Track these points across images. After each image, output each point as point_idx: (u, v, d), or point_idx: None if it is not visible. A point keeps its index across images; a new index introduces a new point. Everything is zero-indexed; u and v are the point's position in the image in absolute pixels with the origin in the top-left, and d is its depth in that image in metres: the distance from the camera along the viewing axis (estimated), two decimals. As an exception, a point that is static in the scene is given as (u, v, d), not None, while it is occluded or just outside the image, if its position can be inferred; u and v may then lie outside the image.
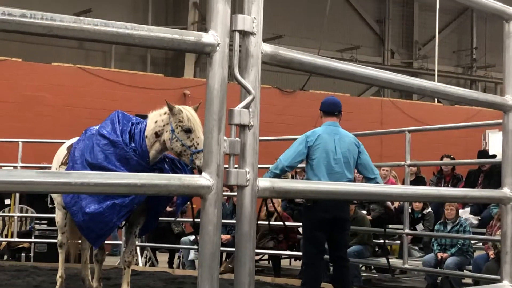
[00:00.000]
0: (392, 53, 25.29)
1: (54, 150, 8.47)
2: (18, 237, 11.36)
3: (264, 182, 2.29)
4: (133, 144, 6.65)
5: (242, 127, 2.24)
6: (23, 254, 11.63)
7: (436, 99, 20.19)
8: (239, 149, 2.23)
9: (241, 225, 2.23)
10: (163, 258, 12.49)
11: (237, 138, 2.24)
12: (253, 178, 2.23)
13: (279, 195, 2.34)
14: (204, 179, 2.17)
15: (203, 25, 20.13)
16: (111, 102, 15.86)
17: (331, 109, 7.12)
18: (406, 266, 8.96)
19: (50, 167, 8.12)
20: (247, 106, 2.23)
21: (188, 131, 6.29)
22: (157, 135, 6.49)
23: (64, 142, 8.06)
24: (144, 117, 6.81)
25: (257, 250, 8.89)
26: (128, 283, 7.02)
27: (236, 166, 2.26)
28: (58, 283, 7.74)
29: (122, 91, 16.54)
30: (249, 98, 2.24)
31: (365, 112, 19.04)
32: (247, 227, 2.23)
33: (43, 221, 11.70)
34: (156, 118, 6.55)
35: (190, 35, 2.18)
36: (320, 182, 2.44)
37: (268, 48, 2.31)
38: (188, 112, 6.36)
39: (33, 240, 11.42)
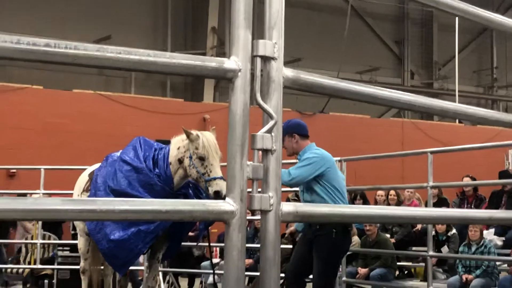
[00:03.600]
0: (411, 74, 25.24)
1: (76, 177, 8.51)
2: (41, 263, 11.38)
3: (288, 207, 2.28)
4: (157, 170, 6.65)
5: (265, 152, 2.24)
6: (46, 281, 11.63)
7: (457, 120, 20.10)
8: (262, 173, 2.23)
9: (265, 250, 2.22)
10: (183, 282, 12.46)
11: (260, 163, 2.24)
12: (277, 202, 2.23)
13: (303, 219, 2.34)
14: (227, 204, 2.17)
15: (221, 49, 20.24)
16: (131, 128, 15.93)
17: (307, 132, 6.89)
18: (431, 288, 8.86)
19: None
20: (269, 131, 2.24)
21: (202, 158, 6.30)
22: (180, 161, 6.49)
23: (84, 169, 8.09)
24: (165, 142, 6.83)
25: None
26: (152, 309, 7.01)
27: (259, 190, 2.26)
28: (81, 310, 7.74)
29: (142, 117, 16.62)
30: (271, 122, 2.24)
31: (385, 134, 18.98)
32: (271, 252, 2.22)
33: (65, 248, 11.73)
34: (178, 144, 6.56)
35: (212, 61, 2.19)
36: (344, 206, 2.43)
37: (290, 72, 2.32)
38: (204, 138, 6.35)
39: (55, 266, 11.44)
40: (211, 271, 10.99)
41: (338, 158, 9.42)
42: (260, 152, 2.25)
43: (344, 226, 6.39)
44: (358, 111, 19.71)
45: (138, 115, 16.68)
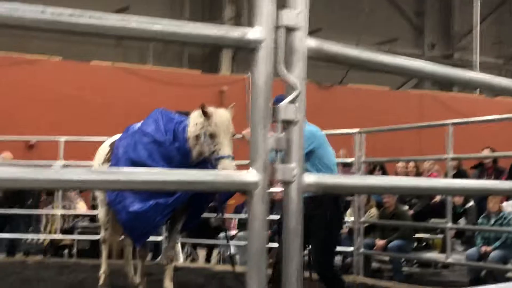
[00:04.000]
0: (431, 45, 25.01)
1: (94, 148, 8.54)
2: (61, 234, 11.51)
3: (310, 178, 2.28)
4: (176, 144, 6.66)
5: (288, 123, 2.24)
6: (66, 251, 11.78)
7: (478, 91, 19.94)
8: (284, 144, 2.22)
9: (288, 221, 2.22)
10: (202, 253, 12.55)
11: (283, 134, 2.23)
12: (299, 173, 2.23)
13: (324, 190, 2.34)
14: (251, 175, 2.17)
15: (239, 20, 20.13)
16: (148, 100, 15.95)
17: None
18: (450, 260, 8.85)
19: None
20: (292, 102, 2.23)
21: (213, 136, 6.30)
22: (197, 138, 6.50)
23: (103, 140, 8.14)
24: (185, 114, 6.82)
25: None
26: (171, 279, 7.07)
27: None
28: (101, 279, 7.83)
29: (159, 89, 16.62)
30: (294, 93, 2.23)
31: (404, 106, 18.87)
32: (294, 222, 2.22)
33: (85, 218, 11.85)
34: (196, 120, 6.54)
35: (235, 31, 2.18)
36: (366, 177, 2.40)
37: (313, 42, 2.30)
38: (217, 115, 6.34)
39: (75, 237, 11.57)
40: (229, 244, 11.12)
41: (357, 130, 9.41)
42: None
43: (336, 206, 6.35)
44: (377, 83, 19.59)
45: (155, 87, 16.69)
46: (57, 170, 1.92)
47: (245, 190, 2.19)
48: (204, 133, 6.34)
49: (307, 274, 6.48)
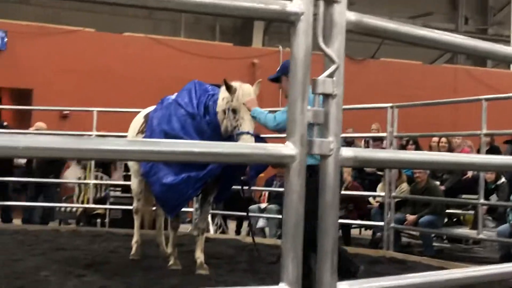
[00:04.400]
0: (466, 20, 24.65)
1: (126, 119, 8.60)
2: (94, 203, 11.65)
3: (347, 152, 2.28)
4: (207, 117, 6.70)
5: (326, 96, 2.23)
6: (98, 220, 11.94)
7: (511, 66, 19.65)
8: (322, 118, 2.22)
9: (325, 194, 2.23)
10: (232, 225, 12.64)
11: (321, 108, 2.23)
12: (337, 147, 2.23)
13: (361, 164, 2.34)
14: (288, 149, 2.18)
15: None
16: (180, 72, 16.01)
17: None
18: (481, 236, 8.80)
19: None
20: (331, 75, 2.22)
21: (235, 111, 6.31)
22: (224, 112, 6.53)
23: (136, 112, 8.20)
24: (220, 86, 6.83)
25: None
26: (202, 250, 7.14)
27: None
28: (133, 248, 7.93)
29: (191, 61, 16.66)
30: (333, 67, 2.23)
31: (438, 81, 18.67)
32: (330, 196, 2.23)
33: (117, 188, 11.98)
34: (224, 94, 6.57)
35: (275, 4, 2.17)
36: (402, 152, 2.40)
37: (353, 16, 2.29)
38: (241, 91, 6.35)
39: (108, 206, 11.70)
40: (259, 215, 11.19)
41: (390, 105, 9.34)
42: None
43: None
44: (409, 57, 19.39)
45: (187, 58, 16.72)
46: (100, 140, 1.94)
47: (282, 163, 2.20)
48: (228, 108, 6.37)
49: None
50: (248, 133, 6.19)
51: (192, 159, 2.16)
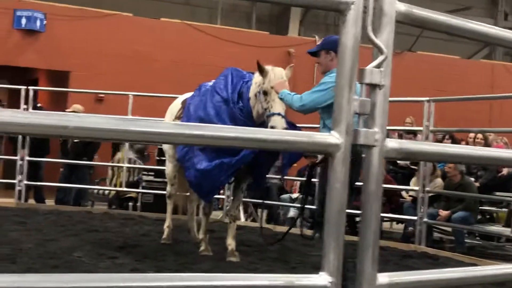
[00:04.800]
0: (505, 15, 24.29)
1: (161, 104, 8.65)
2: (126, 187, 11.75)
3: (392, 143, 2.27)
4: (241, 103, 6.71)
5: (373, 87, 2.22)
6: (130, 204, 12.04)
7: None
8: (369, 108, 2.21)
9: (368, 185, 2.22)
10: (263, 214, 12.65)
11: (367, 98, 2.22)
12: (382, 138, 2.22)
13: (405, 156, 2.32)
14: (333, 137, 2.17)
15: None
16: (216, 59, 16.03)
17: None
18: (514, 234, 8.73)
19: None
20: (378, 66, 2.21)
21: (266, 93, 6.31)
22: (256, 96, 6.53)
23: (171, 97, 8.23)
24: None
25: (360, 212, 8.85)
26: (233, 237, 7.17)
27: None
28: (165, 233, 7.99)
29: (227, 48, 16.67)
30: (381, 57, 2.21)
31: (475, 76, 18.46)
32: (374, 186, 2.22)
33: (150, 173, 12.06)
34: (257, 79, 6.58)
35: (326, -8, 2.16)
36: (446, 145, 2.37)
37: (402, 7, 2.27)
38: (273, 73, 6.34)
39: (140, 190, 11.80)
40: (291, 205, 11.18)
41: (427, 98, 9.26)
42: (368, 87, 2.23)
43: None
44: (447, 51, 19.18)
45: (223, 46, 16.73)
46: (147, 123, 1.96)
47: (327, 152, 2.19)
48: (259, 91, 6.37)
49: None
50: (279, 114, 6.18)
51: (236, 144, 2.17)
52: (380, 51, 2.21)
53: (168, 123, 2.00)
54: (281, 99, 6.16)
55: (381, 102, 2.22)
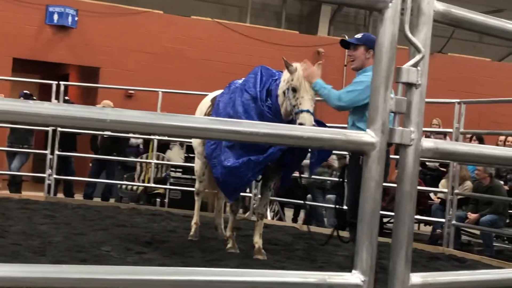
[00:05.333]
0: (538, 18, 24.00)
1: (191, 101, 8.68)
2: (154, 183, 11.81)
3: (428, 143, 2.26)
4: (269, 101, 6.71)
5: (409, 86, 2.22)
6: (158, 200, 12.10)
7: None
8: (405, 107, 2.21)
9: (403, 185, 2.21)
10: (289, 213, 12.65)
11: (404, 97, 2.22)
12: (418, 138, 2.21)
13: (442, 156, 2.31)
14: (368, 136, 2.17)
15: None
16: (245, 57, 16.07)
17: None
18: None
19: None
20: (415, 65, 2.20)
21: (294, 90, 6.28)
22: (284, 94, 6.52)
23: (200, 94, 8.25)
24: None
25: (386, 213, 8.83)
26: (260, 235, 7.17)
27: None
28: (192, 229, 8.01)
29: (256, 47, 16.69)
30: (418, 56, 2.21)
31: (506, 78, 18.28)
32: (408, 186, 2.21)
33: (178, 169, 12.11)
34: (285, 76, 6.57)
35: (364, -10, 2.16)
36: (483, 146, 2.35)
37: (441, 6, 2.26)
38: (301, 70, 6.32)
39: (168, 186, 11.85)
40: (318, 204, 11.15)
41: (457, 100, 9.19)
42: (404, 86, 2.23)
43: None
44: (478, 53, 19.01)
45: (253, 44, 16.76)
46: (184, 117, 1.97)
47: (362, 150, 2.19)
48: (288, 87, 6.36)
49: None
50: (308, 111, 6.16)
51: (271, 141, 2.17)
52: (418, 50, 2.21)
53: (204, 118, 2.02)
54: (316, 90, 6.09)
55: (417, 101, 2.21)
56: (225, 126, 2.05)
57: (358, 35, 5.98)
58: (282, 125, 2.19)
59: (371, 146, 2.16)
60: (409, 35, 2.20)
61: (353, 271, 2.16)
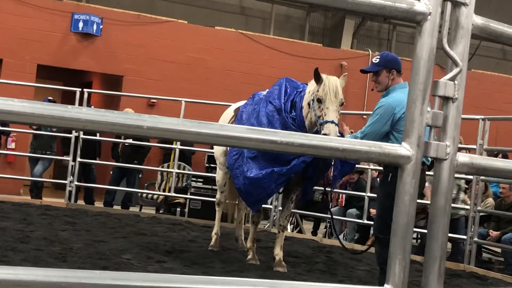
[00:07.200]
0: None
1: (213, 111, 8.68)
2: (175, 192, 11.83)
3: (464, 158, 2.24)
4: (293, 113, 6.70)
5: (446, 100, 2.20)
6: (178, 209, 12.12)
7: None
8: (441, 121, 2.19)
9: (437, 199, 2.19)
10: (308, 225, 12.61)
11: (440, 111, 2.20)
12: (453, 152, 2.19)
13: (477, 172, 2.29)
14: (404, 149, 2.15)
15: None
16: (268, 69, 16.09)
17: (401, 68, 5.93)
18: None
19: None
20: (453, 79, 2.19)
21: (320, 101, 6.28)
22: (309, 105, 6.51)
23: (223, 105, 8.26)
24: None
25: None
26: (281, 247, 7.15)
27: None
28: (213, 240, 8.00)
29: (280, 59, 16.71)
30: (455, 70, 2.19)
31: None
32: (443, 201, 2.19)
33: (199, 180, 12.13)
34: (310, 88, 6.57)
35: (403, 3, 2.15)
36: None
37: (479, 20, 2.24)
38: (327, 81, 6.31)
39: (188, 196, 11.86)
40: (336, 217, 11.10)
41: (482, 117, 9.13)
42: (441, 99, 2.21)
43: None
44: (501, 70, 18.89)
45: (276, 56, 16.78)
46: (219, 126, 1.97)
47: (397, 163, 2.17)
48: (313, 99, 6.35)
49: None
50: (332, 122, 6.15)
51: (308, 152, 2.16)
52: (456, 64, 2.19)
53: (241, 126, 2.01)
54: None
55: (453, 115, 2.19)
56: (261, 136, 2.04)
57: (375, 60, 5.92)
58: (318, 136, 2.18)
59: (407, 159, 2.15)
60: (447, 48, 2.18)
61: (386, 285, 2.14)
